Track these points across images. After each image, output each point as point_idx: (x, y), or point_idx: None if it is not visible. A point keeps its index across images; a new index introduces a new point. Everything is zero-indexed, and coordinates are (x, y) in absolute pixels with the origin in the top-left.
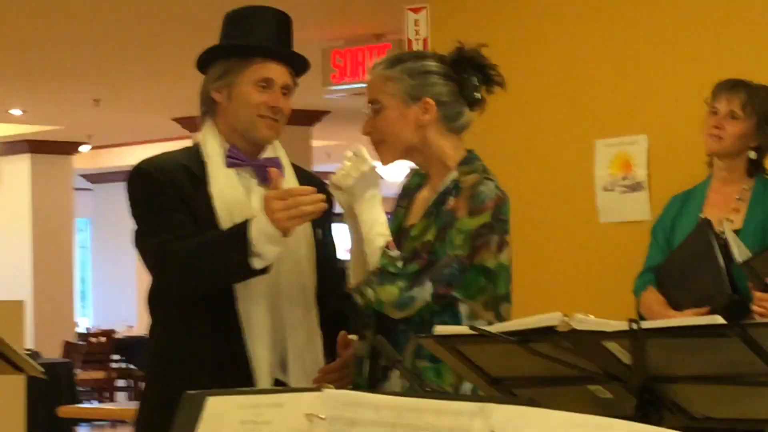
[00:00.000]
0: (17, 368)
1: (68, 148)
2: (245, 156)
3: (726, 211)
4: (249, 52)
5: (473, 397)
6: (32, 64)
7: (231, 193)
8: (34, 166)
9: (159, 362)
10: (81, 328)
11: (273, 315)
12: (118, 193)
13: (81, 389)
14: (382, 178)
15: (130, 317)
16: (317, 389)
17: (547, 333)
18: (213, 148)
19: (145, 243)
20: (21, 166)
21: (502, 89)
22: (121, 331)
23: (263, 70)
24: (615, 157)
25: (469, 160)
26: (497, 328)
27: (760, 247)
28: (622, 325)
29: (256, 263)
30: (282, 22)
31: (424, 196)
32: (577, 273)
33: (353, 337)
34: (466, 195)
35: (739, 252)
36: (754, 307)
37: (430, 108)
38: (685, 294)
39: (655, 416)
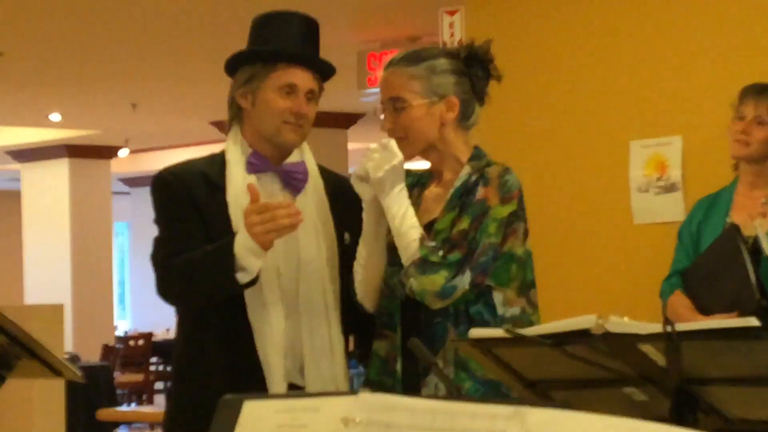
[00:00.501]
0: (57, 372)
1: (106, 152)
2: (268, 161)
3: (753, 216)
4: (273, 57)
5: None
6: (70, 70)
7: (247, 200)
8: (73, 171)
9: (179, 367)
10: (120, 332)
11: (289, 320)
12: None
13: (120, 392)
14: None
15: (168, 320)
16: (353, 393)
17: (581, 336)
18: (234, 154)
19: (154, 256)
20: (60, 170)
21: (498, 83)
22: (159, 334)
23: (287, 76)
24: (650, 159)
25: (478, 155)
26: (532, 331)
27: None
28: (657, 328)
29: (242, 277)
30: (308, 27)
31: (435, 192)
32: (612, 274)
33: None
34: (495, 184)
35: None
36: None
37: (455, 106)
38: (713, 299)
39: (690, 418)
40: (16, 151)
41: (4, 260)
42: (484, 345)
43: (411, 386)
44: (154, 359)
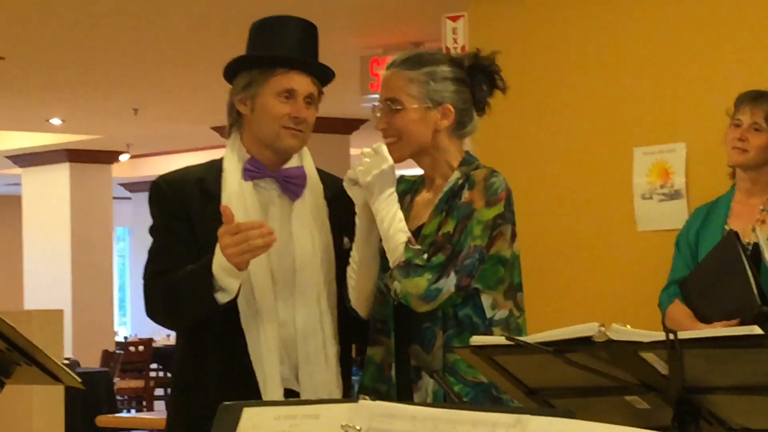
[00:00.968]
0: (56, 378)
1: (107, 157)
2: (265, 167)
3: (751, 222)
4: (271, 62)
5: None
6: (71, 74)
7: (242, 208)
8: (74, 176)
9: (177, 377)
10: (120, 337)
11: (284, 327)
12: None
13: (120, 398)
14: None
15: None
16: (353, 401)
17: (584, 343)
18: (230, 161)
19: (143, 274)
20: (60, 175)
21: (503, 94)
22: (160, 340)
23: (285, 81)
24: (653, 166)
25: (468, 161)
26: (533, 338)
27: None
28: (659, 336)
29: (221, 297)
30: (306, 31)
31: (425, 198)
32: (616, 282)
33: None
34: (480, 187)
35: None
36: None
37: (450, 114)
38: (713, 306)
39: (693, 427)
40: (16, 155)
41: (4, 265)
42: (485, 352)
43: (404, 392)
44: (154, 365)
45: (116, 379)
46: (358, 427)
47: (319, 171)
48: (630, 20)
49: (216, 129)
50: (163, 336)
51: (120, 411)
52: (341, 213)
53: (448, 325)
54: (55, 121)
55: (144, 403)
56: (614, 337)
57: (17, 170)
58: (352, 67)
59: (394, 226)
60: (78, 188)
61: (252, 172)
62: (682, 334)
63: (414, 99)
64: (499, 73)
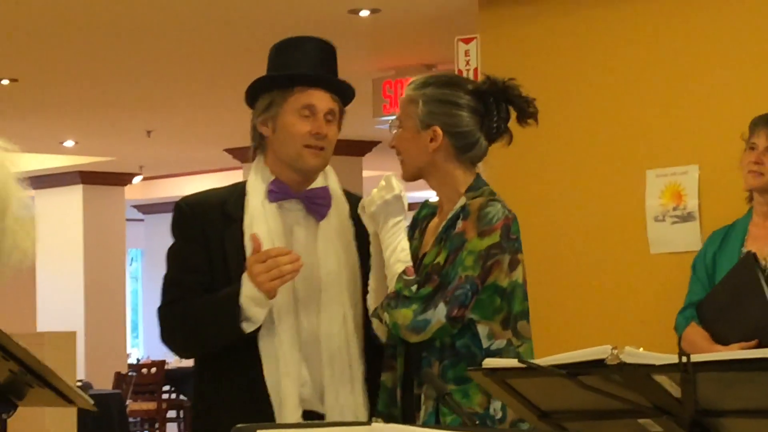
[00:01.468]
0: (69, 400)
1: (120, 179)
2: (289, 189)
3: None
4: (289, 81)
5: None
6: (84, 96)
7: (265, 230)
8: (87, 197)
9: (196, 398)
10: (132, 359)
11: (308, 347)
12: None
13: (132, 420)
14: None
15: None
16: (366, 423)
17: (596, 366)
18: (254, 183)
19: (161, 299)
20: (73, 197)
21: (535, 123)
22: (172, 362)
23: (304, 97)
24: (666, 188)
25: (476, 186)
26: (546, 361)
27: None
28: (672, 358)
29: (246, 327)
30: (324, 50)
31: (435, 224)
32: (628, 304)
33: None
34: (474, 217)
35: None
36: None
37: (437, 137)
38: (731, 328)
39: None
40: (30, 177)
41: (17, 286)
42: (499, 375)
43: (409, 417)
44: (166, 387)
45: (129, 401)
46: None
47: (345, 191)
48: (642, 43)
49: (229, 151)
50: (176, 358)
51: None
52: (367, 232)
53: (444, 355)
54: (69, 143)
55: (156, 425)
56: (627, 359)
57: (30, 192)
58: (365, 90)
59: (394, 256)
60: (91, 210)
61: (276, 193)
62: (695, 357)
63: (409, 119)
64: (526, 100)
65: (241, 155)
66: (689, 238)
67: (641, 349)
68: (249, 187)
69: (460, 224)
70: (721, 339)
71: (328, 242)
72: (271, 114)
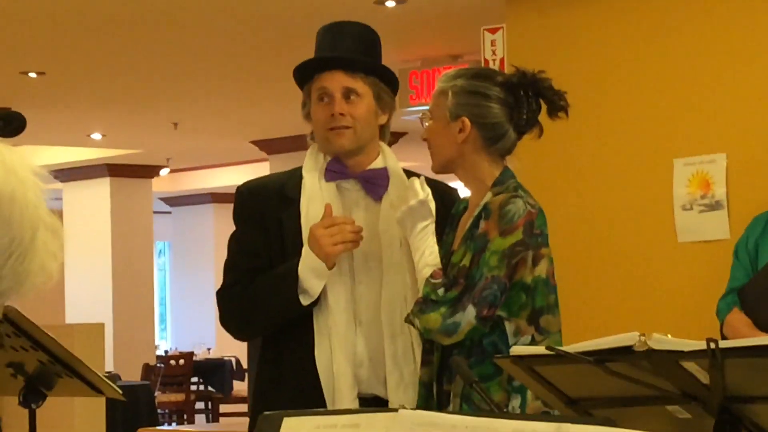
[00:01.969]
0: (97, 390)
1: (147, 171)
2: (346, 168)
3: None
4: (307, 72)
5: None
6: (111, 89)
7: (318, 210)
8: (114, 190)
9: (255, 382)
10: (160, 351)
11: (367, 327)
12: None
13: (160, 411)
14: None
15: (209, 340)
16: (393, 410)
17: (624, 353)
18: (309, 165)
19: (222, 284)
20: (101, 190)
21: (566, 116)
22: (200, 354)
23: (318, 83)
24: (693, 176)
25: (501, 180)
26: (574, 348)
27: None
28: (700, 345)
29: (303, 300)
30: (344, 32)
31: (465, 219)
32: (656, 293)
33: None
34: (495, 216)
35: None
36: None
37: (465, 127)
38: None
39: None
40: (57, 170)
41: None
42: (526, 362)
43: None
44: (194, 379)
45: (157, 393)
46: None
47: (406, 171)
48: (670, 32)
49: (255, 143)
50: (204, 350)
51: (161, 424)
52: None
53: (472, 353)
54: (96, 136)
55: (185, 416)
56: (655, 346)
57: (58, 185)
58: None
59: (423, 261)
60: (118, 202)
61: (333, 173)
62: (723, 343)
63: (439, 110)
64: (557, 93)
65: (267, 147)
66: (717, 227)
67: (669, 335)
68: (305, 170)
69: (482, 224)
70: (764, 325)
71: (389, 222)
72: (306, 107)
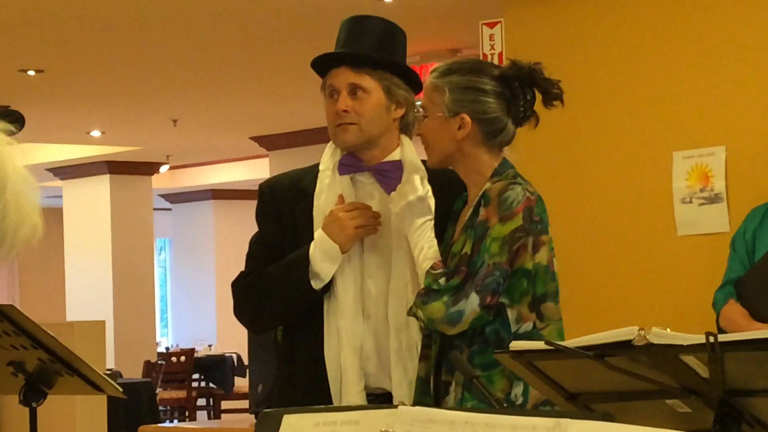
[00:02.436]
0: (98, 388)
1: (147, 168)
2: (359, 161)
3: None
4: (321, 68)
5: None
6: (111, 86)
7: (335, 201)
8: (114, 187)
9: (276, 375)
10: (161, 348)
11: (375, 321)
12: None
13: (162, 409)
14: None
15: (210, 337)
16: (393, 406)
17: (623, 347)
18: (326, 159)
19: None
20: (101, 187)
21: (561, 105)
22: (201, 351)
23: (328, 80)
24: (693, 169)
25: (501, 170)
26: (573, 342)
27: None
28: (699, 339)
29: (315, 284)
30: (359, 27)
31: (465, 214)
32: (655, 286)
33: None
34: (494, 203)
35: None
36: None
37: (466, 124)
38: None
39: (735, 430)
40: (57, 167)
41: (46, 276)
42: (525, 357)
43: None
44: (195, 376)
45: (158, 390)
46: None
47: (424, 162)
48: (667, 25)
49: (255, 139)
50: (205, 346)
51: (163, 421)
52: (444, 204)
53: (474, 341)
54: (95, 133)
55: (186, 413)
56: (654, 340)
57: (58, 182)
58: None
59: (422, 255)
60: (118, 200)
61: (346, 166)
62: (723, 337)
63: (435, 107)
64: (550, 82)
65: (267, 143)
66: (716, 220)
67: (668, 329)
68: (322, 164)
69: (482, 212)
70: (761, 316)
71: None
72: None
